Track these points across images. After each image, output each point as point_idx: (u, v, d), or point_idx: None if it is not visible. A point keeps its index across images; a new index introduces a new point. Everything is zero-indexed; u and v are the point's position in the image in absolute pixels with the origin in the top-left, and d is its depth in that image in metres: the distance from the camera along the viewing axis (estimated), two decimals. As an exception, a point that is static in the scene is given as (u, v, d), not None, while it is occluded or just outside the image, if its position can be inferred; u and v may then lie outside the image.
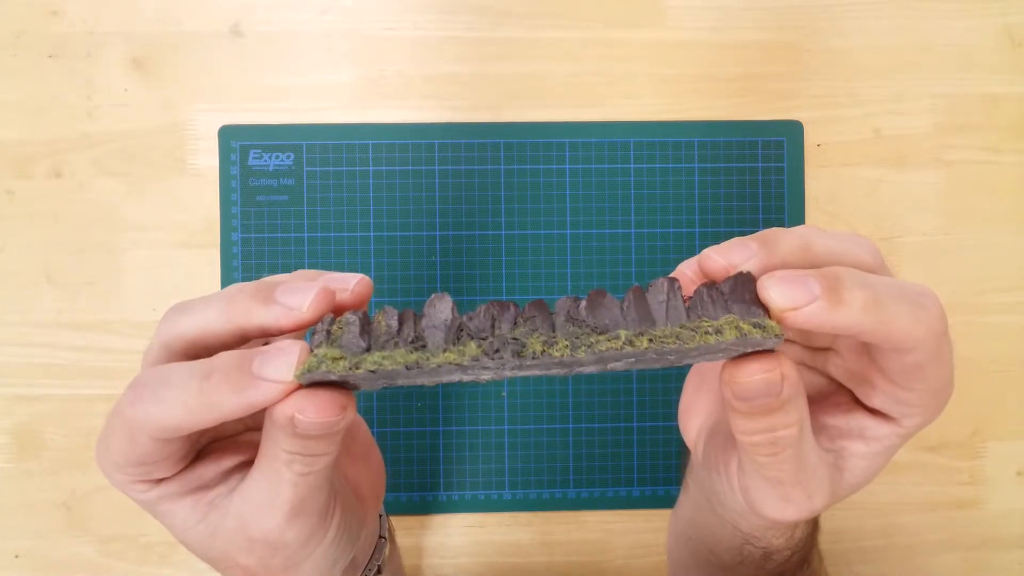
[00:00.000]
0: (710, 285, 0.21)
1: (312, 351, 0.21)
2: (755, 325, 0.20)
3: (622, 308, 0.21)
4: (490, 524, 0.53)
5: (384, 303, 0.52)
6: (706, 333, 0.20)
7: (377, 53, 0.53)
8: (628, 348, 0.20)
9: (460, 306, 0.22)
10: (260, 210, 0.52)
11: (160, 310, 0.52)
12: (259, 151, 0.52)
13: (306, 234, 0.52)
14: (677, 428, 0.50)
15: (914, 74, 0.54)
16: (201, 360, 0.22)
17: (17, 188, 0.52)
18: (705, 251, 0.22)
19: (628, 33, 0.53)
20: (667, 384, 0.52)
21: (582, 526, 0.53)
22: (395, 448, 0.52)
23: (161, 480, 0.25)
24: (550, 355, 0.20)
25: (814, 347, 0.28)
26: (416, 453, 0.52)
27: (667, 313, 0.21)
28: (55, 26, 0.52)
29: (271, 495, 0.23)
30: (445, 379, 0.21)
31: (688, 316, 0.21)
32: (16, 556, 0.52)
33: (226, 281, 0.52)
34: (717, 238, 0.52)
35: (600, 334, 0.20)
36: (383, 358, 0.21)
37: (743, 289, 0.20)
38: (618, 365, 0.20)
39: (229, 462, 0.26)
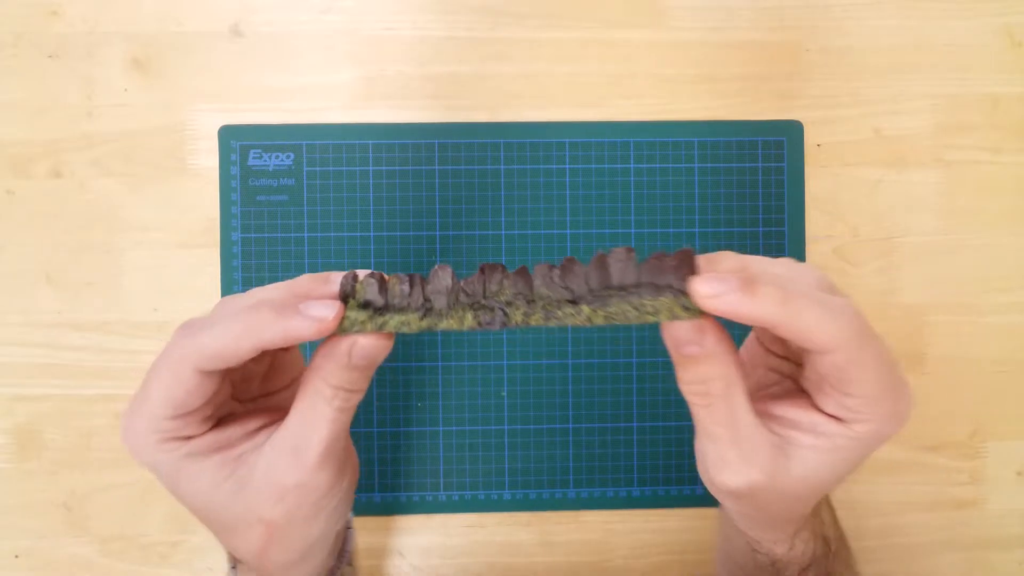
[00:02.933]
0: (661, 255, 0.25)
1: (346, 312, 0.25)
2: (684, 307, 0.25)
3: (587, 271, 0.25)
4: (490, 524, 0.53)
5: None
6: (647, 313, 0.25)
7: (377, 53, 0.53)
8: (587, 324, 0.25)
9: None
10: (260, 210, 0.52)
11: (160, 310, 0.52)
12: (259, 151, 0.52)
13: (306, 234, 0.52)
14: (677, 428, 0.50)
15: (914, 74, 0.54)
16: (247, 293, 0.26)
17: (17, 188, 0.52)
18: None
19: (628, 33, 0.53)
20: (667, 384, 0.52)
21: (582, 526, 0.53)
22: (395, 448, 0.52)
23: (190, 438, 0.27)
24: (527, 323, 0.25)
25: (794, 361, 0.31)
26: (416, 453, 0.52)
27: (623, 274, 0.25)
28: (55, 26, 0.52)
29: (308, 434, 0.26)
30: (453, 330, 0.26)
31: (639, 276, 0.25)
32: (16, 556, 0.52)
33: (226, 281, 0.52)
34: (717, 238, 0.52)
35: (570, 304, 0.25)
36: (401, 323, 0.25)
37: (684, 263, 0.25)
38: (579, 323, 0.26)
39: (253, 424, 0.28)
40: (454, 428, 0.52)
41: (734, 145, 0.53)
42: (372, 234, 0.52)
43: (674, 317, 0.25)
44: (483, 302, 0.26)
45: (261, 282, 0.52)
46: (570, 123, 0.53)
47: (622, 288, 0.25)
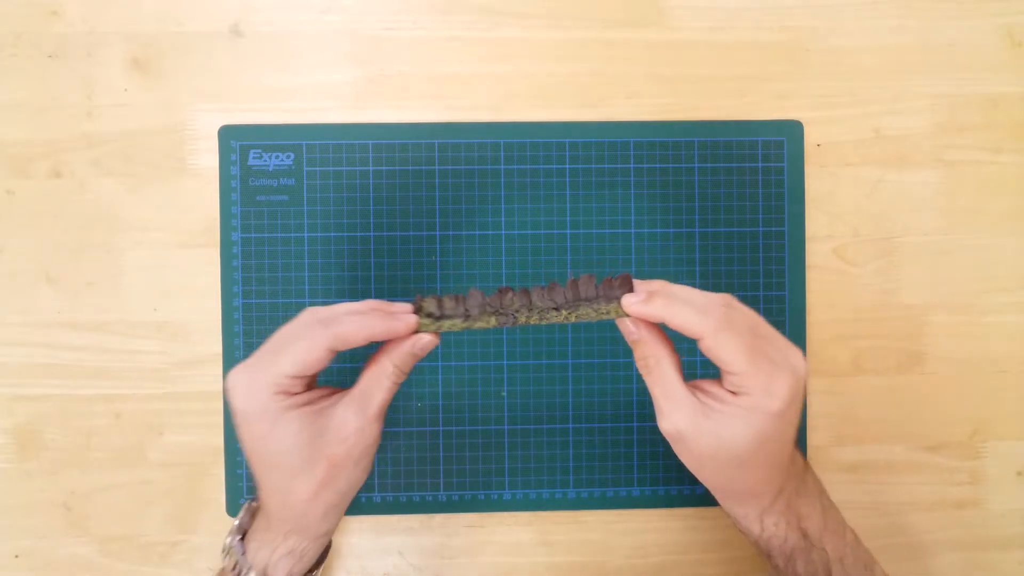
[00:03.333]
0: (609, 279, 0.39)
1: (419, 320, 0.39)
2: (618, 311, 0.39)
3: (565, 290, 0.39)
4: (490, 524, 0.53)
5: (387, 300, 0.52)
6: (602, 314, 0.39)
7: (377, 53, 0.53)
8: (566, 322, 0.39)
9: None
10: (260, 210, 0.52)
11: (160, 310, 0.52)
12: (259, 151, 0.52)
13: (306, 234, 0.52)
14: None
15: (914, 74, 0.54)
16: (358, 304, 0.38)
17: (17, 188, 0.52)
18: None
19: (628, 33, 0.53)
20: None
21: (582, 526, 0.53)
22: (395, 448, 0.52)
23: (293, 395, 0.37)
24: (528, 323, 0.39)
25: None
26: (416, 453, 0.52)
27: (587, 291, 0.39)
28: (55, 26, 0.52)
29: (372, 395, 0.38)
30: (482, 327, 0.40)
31: (596, 292, 0.39)
32: (16, 556, 0.52)
33: (226, 281, 0.52)
34: (717, 238, 0.53)
35: (554, 310, 0.39)
36: (451, 325, 0.39)
37: (624, 283, 0.39)
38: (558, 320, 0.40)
39: (326, 392, 0.39)
40: (454, 428, 0.52)
41: (734, 145, 0.53)
42: (372, 234, 0.52)
43: (618, 316, 0.39)
44: (501, 310, 0.40)
45: (261, 282, 0.52)
46: (570, 123, 0.53)
47: (587, 299, 0.39)
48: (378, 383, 0.38)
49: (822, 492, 0.43)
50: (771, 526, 0.40)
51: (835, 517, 0.43)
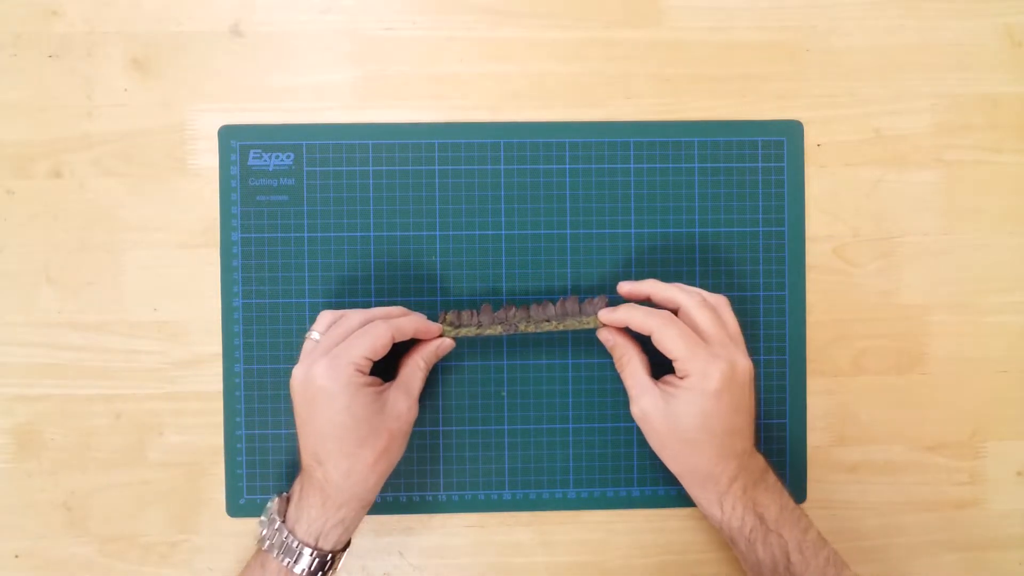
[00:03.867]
0: (590, 299, 0.50)
1: (443, 328, 0.49)
2: (595, 322, 0.49)
3: (554, 308, 0.50)
4: (490, 524, 0.53)
5: (386, 302, 0.52)
6: (584, 324, 0.49)
7: (377, 53, 0.53)
8: (555, 329, 0.49)
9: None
10: (260, 210, 0.52)
11: (160, 310, 0.52)
12: (259, 151, 0.52)
13: (306, 234, 0.52)
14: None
15: (914, 74, 0.54)
16: (391, 308, 0.49)
17: (17, 188, 0.52)
18: (620, 284, 0.50)
19: (628, 33, 0.53)
20: (667, 384, 0.52)
21: (582, 526, 0.53)
22: (395, 448, 0.52)
23: (364, 375, 0.45)
24: (527, 330, 0.49)
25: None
26: (416, 453, 0.52)
27: (572, 307, 0.50)
28: (55, 26, 0.52)
29: (412, 382, 0.48)
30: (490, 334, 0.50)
31: (580, 308, 0.50)
32: (16, 556, 0.52)
33: (226, 281, 0.52)
34: (717, 238, 0.53)
35: (546, 321, 0.49)
36: (467, 332, 0.49)
37: (600, 302, 0.49)
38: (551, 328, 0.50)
39: (377, 380, 0.47)
40: (454, 428, 0.52)
41: (734, 145, 0.53)
42: (372, 234, 0.52)
43: (596, 326, 0.49)
44: (505, 321, 0.49)
45: (261, 282, 0.52)
46: (570, 123, 0.53)
47: (571, 314, 0.49)
48: (414, 375, 0.48)
49: (782, 492, 0.47)
50: (729, 509, 0.46)
51: (794, 514, 0.47)
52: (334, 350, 0.45)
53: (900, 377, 0.54)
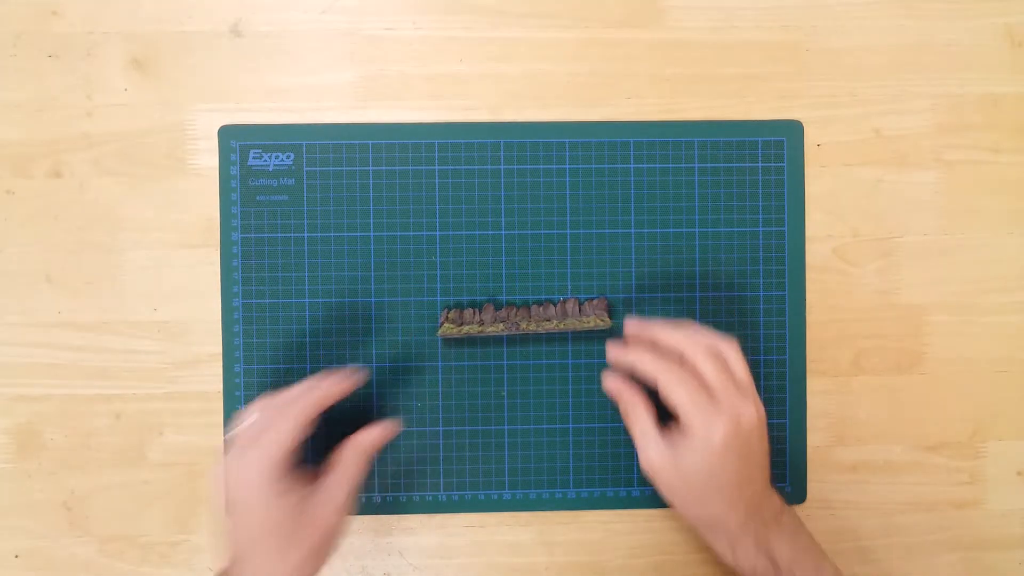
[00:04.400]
0: (589, 300, 0.52)
1: (441, 325, 0.51)
2: (594, 322, 0.51)
3: (555, 309, 0.51)
4: (490, 524, 0.53)
5: (386, 302, 0.52)
6: (583, 325, 0.50)
7: (377, 53, 0.53)
8: (555, 329, 0.50)
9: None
10: (260, 210, 0.52)
11: (160, 310, 0.52)
12: (259, 151, 0.52)
13: (306, 234, 0.52)
14: (676, 428, 0.51)
15: (914, 74, 0.54)
16: (312, 380, 0.47)
17: (17, 188, 0.52)
18: (628, 320, 0.50)
19: (628, 33, 0.53)
20: (667, 384, 0.52)
21: (582, 526, 0.53)
22: (395, 448, 0.52)
23: (286, 469, 0.43)
24: (528, 330, 0.50)
25: None
26: (416, 453, 0.52)
27: (572, 309, 0.51)
28: (55, 26, 0.52)
29: (340, 484, 0.45)
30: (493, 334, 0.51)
31: (580, 308, 0.51)
32: (16, 556, 0.52)
33: (226, 281, 0.52)
34: (717, 238, 0.53)
35: (546, 321, 0.51)
36: (469, 329, 0.50)
37: (600, 305, 0.52)
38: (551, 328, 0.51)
39: (307, 475, 0.46)
40: (454, 428, 0.52)
41: (734, 145, 0.53)
42: (372, 234, 0.52)
43: (594, 326, 0.51)
44: (507, 320, 0.50)
45: (261, 282, 0.52)
46: (570, 123, 0.53)
47: (572, 315, 0.51)
48: (345, 472, 0.46)
49: (797, 533, 0.47)
50: (741, 554, 0.45)
51: (809, 553, 0.46)
52: (250, 450, 0.43)
53: (900, 377, 0.54)
